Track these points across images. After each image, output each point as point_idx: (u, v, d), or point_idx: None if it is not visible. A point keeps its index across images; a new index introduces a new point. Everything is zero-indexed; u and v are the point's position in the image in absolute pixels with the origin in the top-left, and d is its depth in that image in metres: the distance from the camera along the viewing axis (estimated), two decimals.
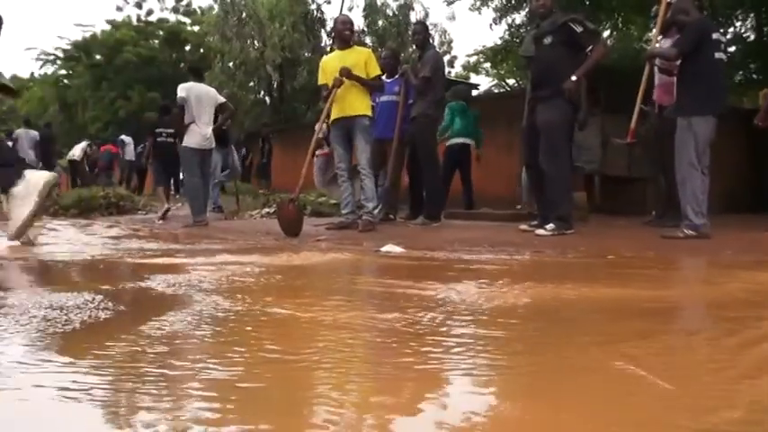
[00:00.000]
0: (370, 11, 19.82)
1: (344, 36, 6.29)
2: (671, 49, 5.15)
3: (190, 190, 7.74)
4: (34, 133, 14.22)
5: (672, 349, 1.72)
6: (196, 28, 28.78)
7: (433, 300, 2.34)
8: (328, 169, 8.30)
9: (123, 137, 16.09)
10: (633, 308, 2.35)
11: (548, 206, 5.35)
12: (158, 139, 9.86)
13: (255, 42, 19.06)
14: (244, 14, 19.60)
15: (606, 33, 15.50)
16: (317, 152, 12.44)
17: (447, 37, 21.14)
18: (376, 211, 6.15)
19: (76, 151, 16.97)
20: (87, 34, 29.41)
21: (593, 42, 5.18)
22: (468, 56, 25.90)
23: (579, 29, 5.14)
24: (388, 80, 6.81)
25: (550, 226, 5.11)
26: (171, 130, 9.36)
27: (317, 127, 6.13)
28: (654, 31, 5.48)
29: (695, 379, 1.42)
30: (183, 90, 7.29)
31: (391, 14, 20.08)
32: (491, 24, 13.79)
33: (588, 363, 1.55)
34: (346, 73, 5.82)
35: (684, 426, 1.12)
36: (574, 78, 5.04)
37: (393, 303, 2.30)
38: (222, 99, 7.89)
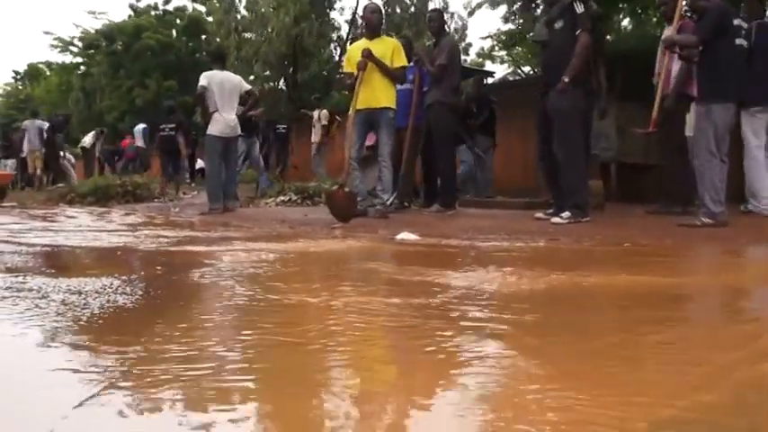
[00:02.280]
0: (392, 3, 19.72)
1: (374, 25, 6.27)
2: (691, 36, 5.08)
3: (209, 177, 7.81)
4: (40, 123, 14.64)
5: (686, 335, 1.71)
6: (210, 18, 28.84)
7: (447, 286, 2.34)
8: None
9: (140, 125, 16.18)
10: (648, 295, 2.34)
11: (563, 194, 5.32)
12: (161, 134, 11.79)
13: (266, 33, 19.09)
14: (243, 11, 19.80)
15: (625, 21, 15.33)
16: (314, 140, 12.61)
17: (461, 23, 21.00)
18: (389, 202, 6.16)
19: (87, 139, 17.15)
20: (106, 21, 29.52)
21: (582, 27, 5.08)
22: (483, 38, 25.76)
23: (580, 9, 5.07)
24: None
25: (566, 214, 5.08)
26: (173, 125, 11.72)
27: (350, 112, 6.07)
28: (674, 20, 5.38)
29: (707, 363, 1.42)
30: (204, 79, 7.32)
31: (409, 3, 19.96)
32: None
33: (602, 347, 1.55)
34: (367, 53, 5.81)
35: (690, 407, 1.12)
36: (566, 80, 5.02)
37: (407, 289, 2.30)
38: (247, 87, 7.93)
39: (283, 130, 13.47)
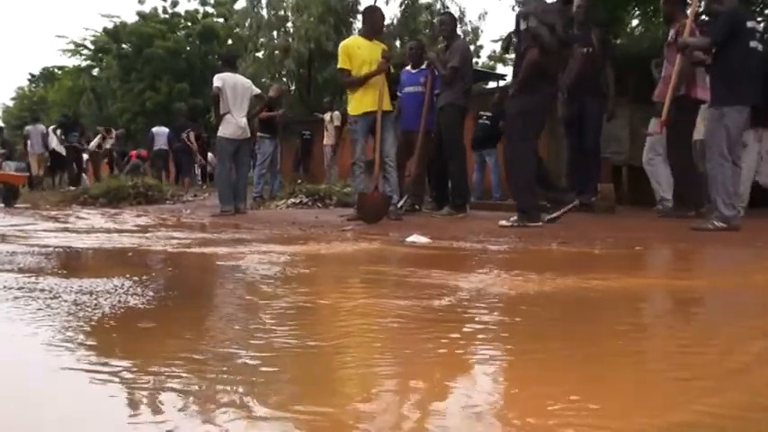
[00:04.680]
0: (413, 9, 19.69)
1: (382, 29, 6.31)
2: (704, 39, 5.03)
3: (220, 179, 7.86)
4: (41, 128, 15.19)
5: (696, 338, 1.70)
6: (221, 20, 28.93)
7: (457, 288, 2.33)
8: None
9: (162, 128, 16.13)
10: (659, 298, 2.32)
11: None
12: (184, 136, 14.05)
13: (287, 30, 19.16)
14: (266, 6, 19.83)
15: (635, 22, 15.23)
16: (326, 143, 12.67)
17: (470, 24, 20.96)
18: (399, 205, 6.14)
19: (93, 141, 17.23)
20: (116, 22, 29.64)
21: (526, 43, 5.02)
22: (494, 41, 25.74)
23: (522, 26, 5.05)
24: (414, 71, 6.78)
25: (513, 218, 5.10)
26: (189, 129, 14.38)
27: (378, 114, 6.01)
28: (687, 23, 5.36)
29: (715, 367, 1.41)
30: (218, 80, 7.38)
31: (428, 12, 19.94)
32: (513, 7, 13.69)
33: (613, 350, 1.54)
34: (388, 55, 5.85)
35: (699, 410, 1.11)
36: (511, 92, 5.16)
37: (417, 291, 2.30)
38: (257, 90, 8.02)
39: (309, 136, 13.57)
